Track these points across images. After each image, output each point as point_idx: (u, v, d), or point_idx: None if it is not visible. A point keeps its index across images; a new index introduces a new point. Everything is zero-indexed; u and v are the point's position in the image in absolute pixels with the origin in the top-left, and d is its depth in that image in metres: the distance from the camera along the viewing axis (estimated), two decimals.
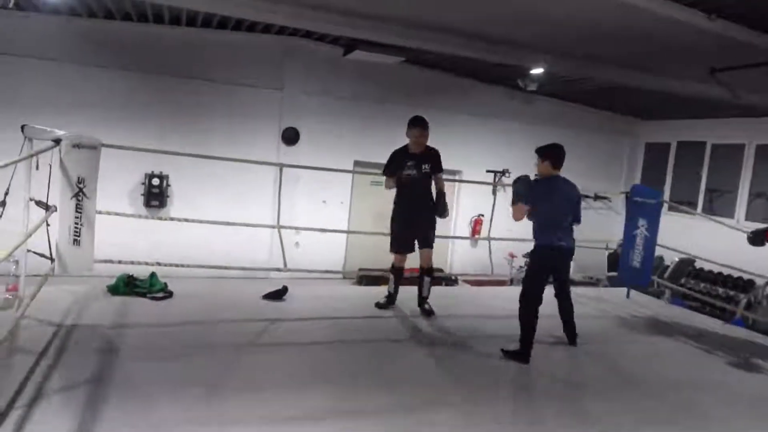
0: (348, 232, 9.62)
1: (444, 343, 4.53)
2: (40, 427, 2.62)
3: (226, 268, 6.09)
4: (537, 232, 4.48)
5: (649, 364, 4.52)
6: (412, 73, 9.90)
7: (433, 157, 5.17)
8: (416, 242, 5.25)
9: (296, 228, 7.51)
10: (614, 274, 7.04)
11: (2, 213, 4.37)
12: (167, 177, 8.86)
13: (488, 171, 10.87)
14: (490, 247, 7.02)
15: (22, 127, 4.13)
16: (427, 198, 5.18)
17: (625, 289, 6.72)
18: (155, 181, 8.76)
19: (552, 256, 4.44)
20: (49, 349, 3.50)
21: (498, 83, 10.56)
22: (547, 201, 4.43)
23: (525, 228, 10.84)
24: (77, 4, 7.50)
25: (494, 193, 8.20)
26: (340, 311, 5.13)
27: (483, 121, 10.76)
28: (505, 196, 9.02)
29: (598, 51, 6.96)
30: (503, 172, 10.94)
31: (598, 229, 11.21)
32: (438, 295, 5.63)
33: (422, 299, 5.24)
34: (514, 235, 8.51)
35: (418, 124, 5.08)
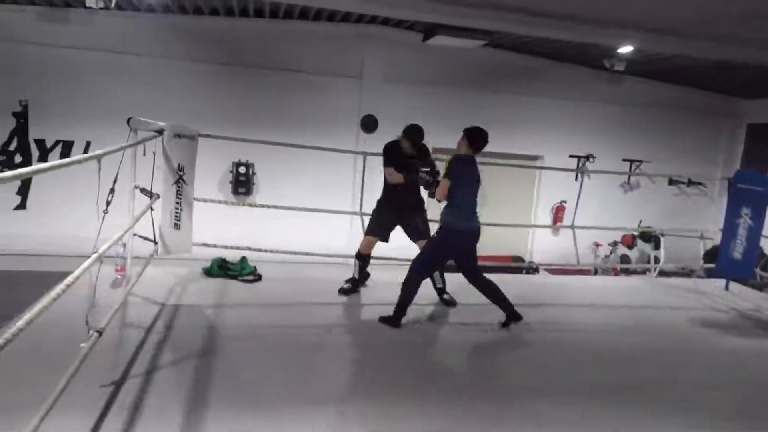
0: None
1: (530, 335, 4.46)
2: (155, 396, 2.84)
3: (308, 254, 6.27)
4: (449, 214, 4.39)
5: (754, 361, 4.24)
6: (492, 57, 9.68)
7: (425, 154, 5.10)
8: (409, 236, 5.18)
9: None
10: (711, 265, 6.62)
11: (111, 200, 4.74)
12: (253, 165, 9.21)
13: (571, 156, 10.49)
14: (574, 235, 6.78)
15: (128, 120, 4.44)
16: (416, 191, 5.11)
17: (723, 281, 6.31)
18: (242, 170, 9.13)
19: (465, 240, 4.38)
20: (156, 326, 3.78)
21: (582, 63, 10.12)
22: (466, 182, 4.38)
23: (612, 215, 10.39)
24: (170, 2, 7.91)
25: (579, 179, 7.90)
26: (419, 297, 5.16)
27: (565, 103, 10.35)
28: (590, 183, 8.71)
29: (694, 28, 6.50)
30: (588, 158, 10.52)
31: (692, 216, 10.61)
32: (518, 283, 5.54)
33: (440, 290, 5.06)
34: (599, 222, 8.26)
35: (418, 133, 5.08)
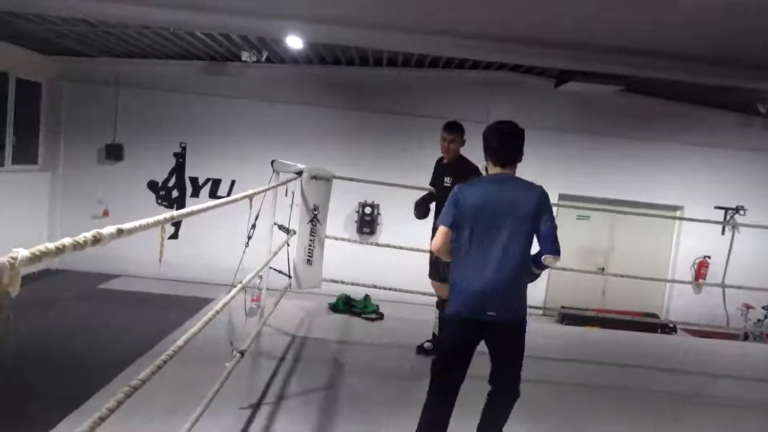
0: (553, 268, 9.24)
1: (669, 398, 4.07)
2: (285, 422, 3.00)
3: (428, 294, 6.28)
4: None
5: None
6: (629, 102, 9.28)
7: (462, 169, 4.11)
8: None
9: None
10: None
11: (253, 234, 5.17)
12: (378, 206, 9.54)
13: (717, 207, 9.60)
14: (724, 294, 6.15)
15: (272, 162, 4.85)
16: None
17: None
18: (368, 210, 9.49)
19: (465, 330, 2.67)
20: (287, 355, 4.00)
21: (729, 108, 9.35)
22: (473, 222, 2.66)
23: (766, 275, 9.34)
24: (312, 53, 8.61)
25: (728, 232, 7.19)
26: (543, 350, 4.94)
27: (710, 151, 9.57)
28: (740, 237, 7.89)
29: None
30: (737, 209, 9.56)
31: None
32: (652, 344, 5.10)
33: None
34: (751, 282, 7.41)
35: (447, 126, 4.29)
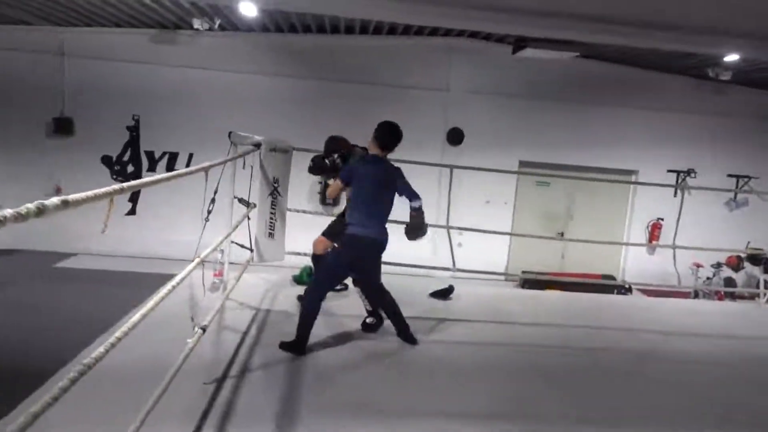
0: (513, 234, 9.43)
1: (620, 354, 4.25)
2: (249, 395, 3.00)
3: (391, 264, 6.33)
4: (348, 218, 4.01)
5: None
6: (585, 68, 9.39)
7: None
8: None
9: (463, 228, 7.52)
10: None
11: (213, 209, 5.07)
12: None
13: (670, 171, 9.92)
14: (674, 254, 6.40)
15: (229, 134, 4.74)
16: None
17: None
18: (330, 182, 9.41)
19: (361, 249, 3.87)
20: (251, 329, 3.98)
21: (682, 73, 9.58)
22: (363, 183, 3.94)
23: (715, 235, 9.75)
24: (268, 20, 8.36)
25: (680, 195, 7.45)
26: (505, 314, 5.07)
27: (663, 115, 9.82)
28: (691, 199, 8.19)
29: None
30: (688, 172, 9.91)
31: None
32: (608, 304, 5.29)
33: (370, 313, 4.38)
34: (701, 242, 7.73)
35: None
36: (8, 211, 1.20)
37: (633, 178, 9.81)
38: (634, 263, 10.10)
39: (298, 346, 3.62)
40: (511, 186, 9.88)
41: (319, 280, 4.00)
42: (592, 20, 5.62)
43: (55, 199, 1.38)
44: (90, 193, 1.57)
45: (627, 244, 10.00)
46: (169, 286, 2.53)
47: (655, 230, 9.91)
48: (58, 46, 8.62)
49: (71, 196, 1.45)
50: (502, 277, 9.48)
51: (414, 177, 9.21)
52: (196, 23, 7.86)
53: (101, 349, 1.89)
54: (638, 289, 8.74)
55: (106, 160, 9.11)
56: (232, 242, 4.72)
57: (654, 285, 7.67)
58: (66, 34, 8.59)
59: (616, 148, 9.71)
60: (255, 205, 4.65)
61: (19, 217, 1.23)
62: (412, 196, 4.16)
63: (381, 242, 3.95)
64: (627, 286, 8.96)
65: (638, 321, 5.22)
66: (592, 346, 4.41)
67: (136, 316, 2.17)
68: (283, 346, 3.62)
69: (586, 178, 8.75)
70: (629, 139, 9.75)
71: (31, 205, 1.28)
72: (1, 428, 2.70)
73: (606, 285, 8.75)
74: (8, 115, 8.75)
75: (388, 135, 4.03)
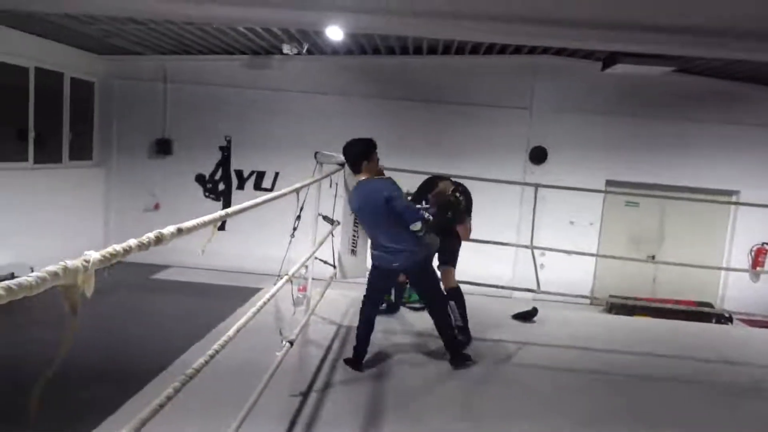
0: (600, 255, 9.05)
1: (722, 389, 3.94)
2: (333, 410, 3.06)
3: (473, 284, 6.25)
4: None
5: None
6: (680, 83, 8.92)
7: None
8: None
9: (547, 249, 7.31)
10: None
11: (298, 226, 5.26)
12: None
13: None
14: None
15: (315, 154, 4.90)
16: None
17: None
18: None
19: (376, 276, 3.86)
20: (334, 344, 4.07)
21: None
22: (355, 214, 3.97)
23: None
24: (352, 44, 8.62)
25: None
26: (592, 340, 4.86)
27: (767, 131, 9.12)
28: None
29: None
30: None
31: None
32: (707, 334, 4.93)
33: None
34: None
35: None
36: (133, 241, 1.34)
37: (734, 198, 9.14)
38: (735, 290, 9.36)
39: (354, 363, 3.70)
40: (597, 206, 9.50)
41: (362, 305, 3.96)
42: (687, 32, 5.36)
43: (171, 228, 1.51)
44: (199, 220, 1.70)
45: (728, 269, 9.30)
46: (262, 300, 2.65)
47: (759, 255, 9.16)
48: (162, 74, 9.34)
49: (184, 224, 1.58)
50: (587, 301, 9.09)
51: (494, 196, 9.21)
52: (286, 48, 8.25)
53: (202, 359, 2.01)
54: (740, 319, 8.09)
55: (199, 179, 9.69)
56: (316, 258, 4.86)
57: (759, 315, 7.07)
58: (168, 63, 9.29)
59: (713, 166, 9.11)
60: (339, 223, 4.77)
61: (143, 246, 1.36)
62: (410, 218, 3.69)
63: (394, 270, 3.87)
64: (727, 314, 8.31)
65: (739, 353, 4.83)
66: (685, 378, 4.12)
67: (232, 330, 2.29)
68: (347, 361, 3.74)
69: (679, 197, 8.27)
70: (729, 157, 9.12)
71: (151, 235, 1.42)
72: (107, 426, 2.92)
73: (703, 313, 8.15)
74: (120, 137, 9.57)
75: (346, 154, 4.01)
